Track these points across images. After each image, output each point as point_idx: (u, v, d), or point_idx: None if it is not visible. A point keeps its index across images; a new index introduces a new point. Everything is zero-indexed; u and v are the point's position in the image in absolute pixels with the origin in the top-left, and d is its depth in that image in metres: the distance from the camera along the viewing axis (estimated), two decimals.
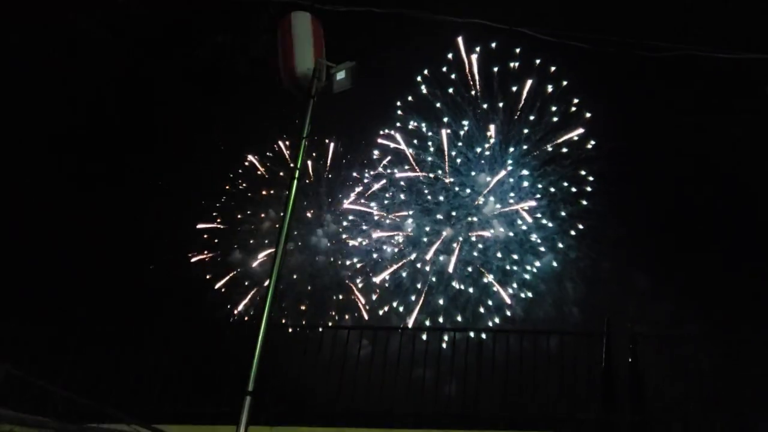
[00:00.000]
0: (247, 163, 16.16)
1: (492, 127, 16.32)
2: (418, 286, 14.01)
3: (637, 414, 7.49)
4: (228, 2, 7.14)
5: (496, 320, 13.65)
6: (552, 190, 15.32)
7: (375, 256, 13.88)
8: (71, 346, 7.70)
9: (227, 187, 15.72)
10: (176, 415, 7.23)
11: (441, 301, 13.96)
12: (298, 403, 7.64)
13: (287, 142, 15.42)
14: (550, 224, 14.85)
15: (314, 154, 15.67)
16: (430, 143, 16.64)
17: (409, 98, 16.77)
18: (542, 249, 14.51)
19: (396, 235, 14.52)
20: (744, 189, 9.63)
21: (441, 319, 13.88)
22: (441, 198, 15.71)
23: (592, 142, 14.70)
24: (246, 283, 14.67)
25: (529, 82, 15.91)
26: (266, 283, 4.41)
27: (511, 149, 16.11)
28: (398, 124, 16.78)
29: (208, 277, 13.98)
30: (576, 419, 7.25)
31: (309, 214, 15.25)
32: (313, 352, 7.89)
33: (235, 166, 15.26)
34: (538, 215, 15.27)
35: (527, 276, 13.95)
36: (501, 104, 16.40)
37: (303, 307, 14.29)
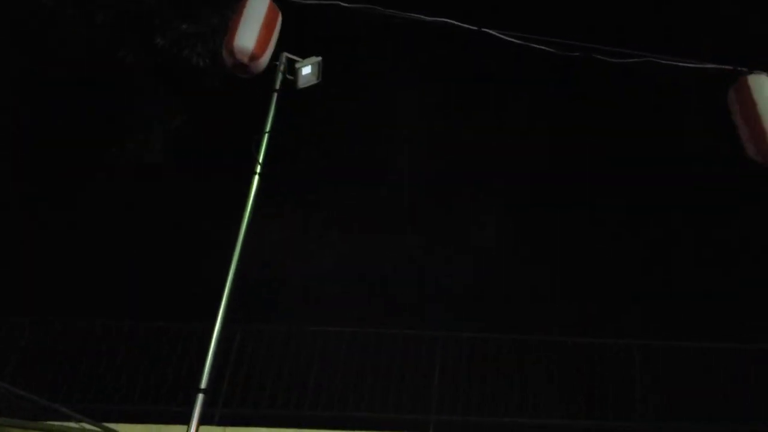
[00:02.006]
0: None
1: None
2: None
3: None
4: None
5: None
6: None
7: None
8: (18, 340, 7.50)
9: None
10: (127, 414, 7.09)
11: None
12: (252, 403, 7.53)
13: None
14: None
15: None
16: None
17: None
18: None
19: None
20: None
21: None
22: None
23: None
24: None
25: None
26: None
27: None
28: None
29: None
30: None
31: None
32: (270, 351, 7.82)
33: None
34: None
35: None
36: None
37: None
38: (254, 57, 4.48)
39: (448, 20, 4.57)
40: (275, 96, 4.65)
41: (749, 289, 8.88)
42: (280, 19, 4.71)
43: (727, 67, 4.57)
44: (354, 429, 7.32)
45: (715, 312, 8.66)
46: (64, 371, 7.47)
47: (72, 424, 5.59)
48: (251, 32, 4.48)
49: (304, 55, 4.84)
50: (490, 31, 4.46)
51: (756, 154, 4.62)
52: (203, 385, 3.93)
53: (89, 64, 8.06)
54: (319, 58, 4.74)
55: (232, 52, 4.49)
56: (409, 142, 10.94)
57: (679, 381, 7.80)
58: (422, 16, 4.61)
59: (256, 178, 4.50)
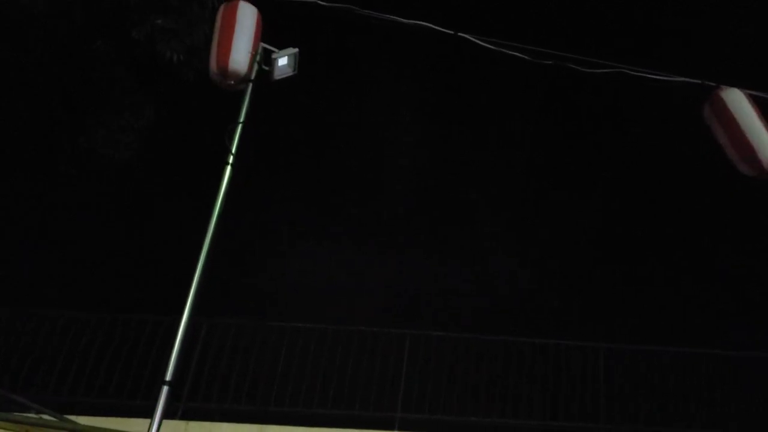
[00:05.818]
0: None
1: None
2: None
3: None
4: None
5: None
6: None
7: None
8: None
9: None
10: (88, 406, 6.99)
11: None
12: (216, 399, 7.47)
13: None
14: None
15: None
16: None
17: None
18: None
19: None
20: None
21: None
22: None
23: None
24: None
25: None
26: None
27: None
28: None
29: None
30: None
31: None
32: (236, 346, 7.76)
33: None
34: None
35: None
36: None
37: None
38: (245, 78, 4.53)
39: (425, 23, 4.56)
40: (250, 86, 4.59)
41: (718, 294, 9.05)
42: (261, 30, 4.71)
43: (695, 80, 4.63)
44: (319, 425, 7.31)
45: (684, 316, 8.81)
46: (25, 362, 7.34)
47: (31, 415, 5.47)
48: (244, 54, 4.50)
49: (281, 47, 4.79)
50: (467, 36, 4.46)
51: (749, 170, 4.57)
52: (168, 377, 3.79)
53: (61, 56, 7.88)
54: (296, 50, 4.66)
55: (225, 72, 4.48)
56: (387, 139, 10.94)
57: (644, 384, 7.92)
58: (399, 18, 4.60)
59: (228, 168, 4.43)
